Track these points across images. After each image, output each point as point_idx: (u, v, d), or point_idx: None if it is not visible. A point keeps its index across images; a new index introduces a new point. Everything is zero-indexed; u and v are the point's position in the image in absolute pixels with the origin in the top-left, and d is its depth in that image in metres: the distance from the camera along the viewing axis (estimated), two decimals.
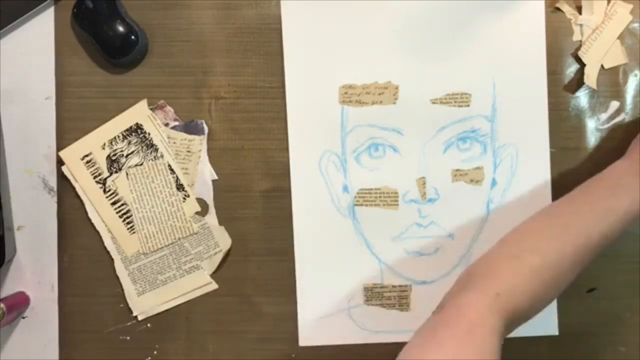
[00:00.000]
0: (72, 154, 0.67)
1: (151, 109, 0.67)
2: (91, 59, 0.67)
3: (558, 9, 0.66)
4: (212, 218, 0.67)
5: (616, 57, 0.66)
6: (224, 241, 0.67)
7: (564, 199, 0.54)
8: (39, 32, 0.67)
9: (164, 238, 0.67)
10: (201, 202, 0.67)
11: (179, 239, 0.67)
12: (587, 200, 0.52)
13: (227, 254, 0.67)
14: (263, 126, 0.67)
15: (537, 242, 0.51)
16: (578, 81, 0.66)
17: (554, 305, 0.66)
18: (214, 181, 0.67)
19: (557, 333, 0.66)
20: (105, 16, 0.65)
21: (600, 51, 0.66)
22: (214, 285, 0.67)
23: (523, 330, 0.66)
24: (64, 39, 0.67)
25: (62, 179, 0.67)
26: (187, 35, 0.67)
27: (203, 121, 0.67)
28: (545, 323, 0.66)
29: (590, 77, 0.65)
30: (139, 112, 0.67)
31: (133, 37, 0.65)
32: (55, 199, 0.67)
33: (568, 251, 0.49)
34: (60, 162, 0.67)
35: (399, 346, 0.67)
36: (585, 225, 0.51)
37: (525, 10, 0.66)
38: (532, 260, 0.49)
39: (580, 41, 0.66)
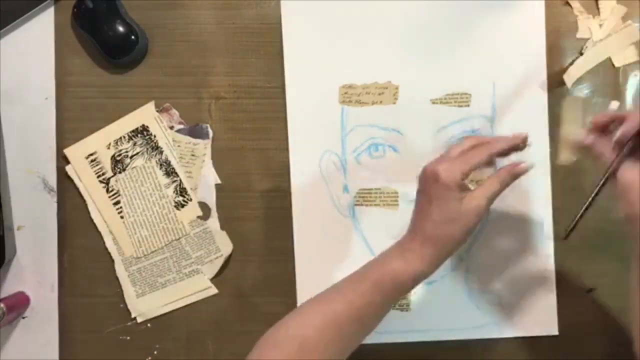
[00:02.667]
0: (77, 152, 0.67)
1: (156, 111, 0.67)
2: (91, 59, 0.67)
3: (567, 3, 0.66)
4: (214, 222, 0.67)
5: (628, 55, 0.66)
6: (225, 246, 0.67)
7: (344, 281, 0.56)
8: (39, 32, 0.67)
9: (157, 241, 0.67)
10: (203, 206, 0.67)
11: (172, 240, 0.67)
12: (352, 278, 0.55)
13: (228, 259, 0.67)
14: (263, 126, 0.67)
15: (302, 321, 0.53)
16: (578, 81, 0.66)
17: (554, 305, 0.66)
18: None
19: (557, 333, 0.66)
20: (105, 16, 0.65)
21: (605, 51, 0.66)
22: (214, 290, 0.67)
23: (523, 330, 0.66)
24: (64, 39, 0.67)
25: (62, 178, 0.67)
26: (187, 35, 0.67)
27: (208, 125, 0.67)
28: (545, 323, 0.66)
29: (571, 74, 0.65)
30: (146, 114, 0.67)
31: (133, 37, 0.65)
32: (55, 199, 0.67)
33: (329, 324, 0.52)
34: (62, 162, 0.67)
35: (399, 346, 0.67)
36: (346, 299, 0.53)
37: (525, 10, 0.66)
38: (297, 340, 0.51)
39: (587, 39, 0.66)
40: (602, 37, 0.66)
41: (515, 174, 0.54)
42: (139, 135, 0.67)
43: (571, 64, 0.66)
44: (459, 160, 0.53)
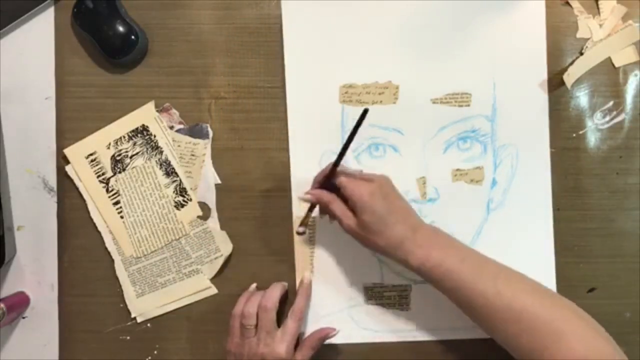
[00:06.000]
0: (76, 152, 0.67)
1: (156, 111, 0.67)
2: (91, 59, 0.67)
3: (567, 3, 0.66)
4: (214, 222, 0.67)
5: (628, 55, 0.66)
6: (225, 246, 0.67)
7: None
8: (39, 32, 0.67)
9: (157, 241, 0.67)
10: (203, 205, 0.67)
11: (172, 240, 0.67)
12: None
13: (228, 259, 0.67)
14: (263, 126, 0.67)
15: None
16: (578, 81, 0.66)
17: None
18: None
19: None
20: (105, 16, 0.65)
21: (605, 51, 0.66)
22: (214, 290, 0.67)
23: None
24: (64, 39, 0.67)
25: (62, 178, 0.67)
26: (187, 35, 0.67)
27: (208, 125, 0.67)
28: None
29: (571, 74, 0.65)
30: (145, 114, 0.67)
31: (133, 37, 0.65)
32: (55, 199, 0.67)
33: None
34: (61, 162, 0.67)
35: (399, 346, 0.67)
36: None
37: (525, 10, 0.66)
38: None
39: (587, 39, 0.66)
40: (602, 37, 0.66)
41: (323, 339, 0.63)
42: (139, 135, 0.67)
43: (571, 64, 0.66)
44: (294, 339, 0.61)
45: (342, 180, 0.59)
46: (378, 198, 0.57)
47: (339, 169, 0.60)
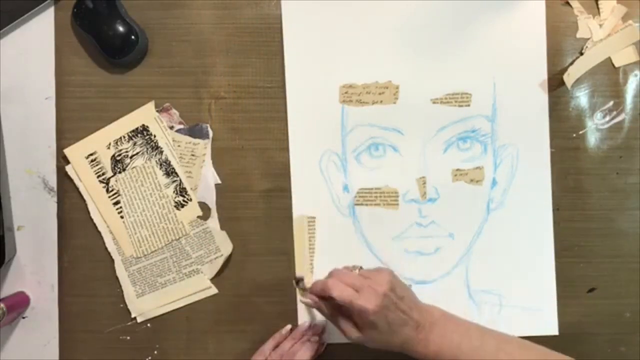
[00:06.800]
0: (77, 152, 0.67)
1: (156, 111, 0.67)
2: (91, 59, 0.67)
3: (567, 3, 0.66)
4: (214, 222, 0.67)
5: (628, 55, 0.66)
6: (225, 246, 0.67)
7: None
8: (39, 32, 0.67)
9: (157, 241, 0.67)
10: (203, 205, 0.67)
11: (172, 240, 0.67)
12: None
13: (228, 259, 0.67)
14: (263, 126, 0.67)
15: None
16: (578, 81, 0.66)
17: (554, 305, 0.66)
18: None
19: (557, 333, 0.66)
20: (105, 16, 0.65)
21: (605, 51, 0.66)
22: (214, 290, 0.67)
23: (523, 330, 0.66)
24: (64, 39, 0.67)
25: (62, 178, 0.67)
26: (187, 35, 0.67)
27: (208, 125, 0.67)
28: (545, 323, 0.66)
29: (571, 74, 0.65)
30: (145, 114, 0.67)
31: (133, 37, 0.65)
32: (55, 199, 0.67)
33: None
34: (62, 162, 0.67)
35: None
36: None
37: (525, 10, 0.66)
38: None
39: (587, 39, 0.66)
40: (602, 37, 0.66)
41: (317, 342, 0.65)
42: (139, 135, 0.67)
43: (571, 64, 0.66)
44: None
45: (341, 300, 0.56)
46: (382, 313, 0.56)
47: (335, 276, 0.59)
